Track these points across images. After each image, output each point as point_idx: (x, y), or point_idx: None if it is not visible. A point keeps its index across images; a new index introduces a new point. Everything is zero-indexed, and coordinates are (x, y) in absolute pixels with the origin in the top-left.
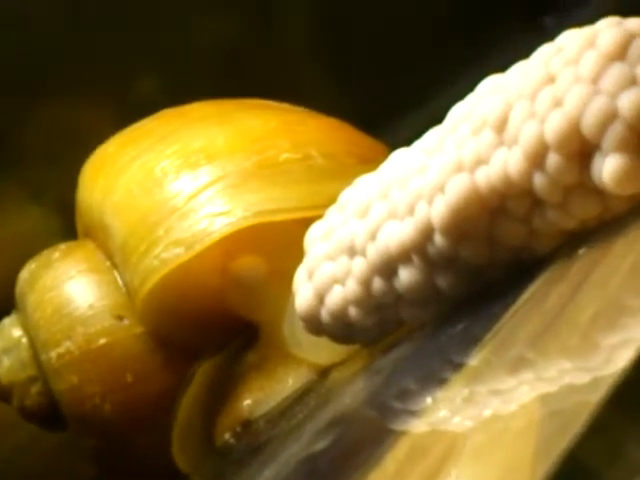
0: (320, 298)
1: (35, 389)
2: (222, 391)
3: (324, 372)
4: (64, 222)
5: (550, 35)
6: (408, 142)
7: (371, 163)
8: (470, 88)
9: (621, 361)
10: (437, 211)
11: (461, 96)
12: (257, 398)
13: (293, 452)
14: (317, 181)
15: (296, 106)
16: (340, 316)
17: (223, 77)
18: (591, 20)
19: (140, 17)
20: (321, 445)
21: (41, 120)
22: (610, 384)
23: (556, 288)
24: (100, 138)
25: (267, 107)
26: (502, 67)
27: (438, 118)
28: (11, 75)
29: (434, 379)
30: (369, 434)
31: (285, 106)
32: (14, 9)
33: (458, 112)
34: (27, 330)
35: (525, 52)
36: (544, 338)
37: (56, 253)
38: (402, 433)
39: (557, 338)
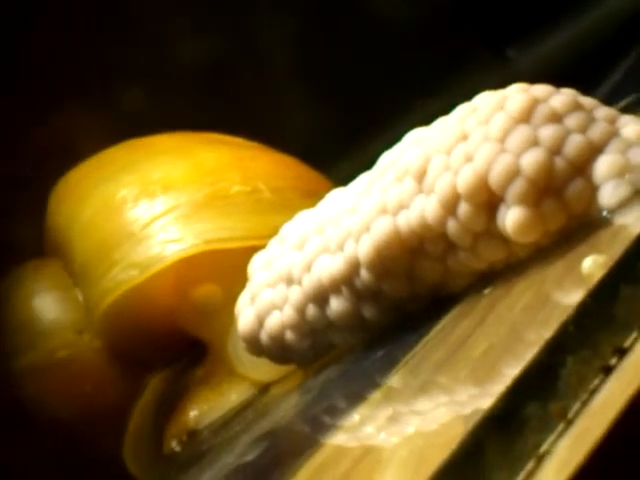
0: (260, 322)
1: (1, 396)
2: (171, 402)
3: (264, 388)
4: None
5: (512, 67)
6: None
7: (315, 197)
8: (434, 116)
9: None
10: (363, 248)
11: (426, 123)
12: (202, 410)
13: (227, 462)
14: (264, 213)
15: (250, 141)
16: (278, 338)
17: (206, 95)
18: (550, 54)
19: (126, 34)
20: (251, 456)
21: (24, 136)
22: (485, 410)
23: (462, 323)
24: (83, 152)
25: (221, 141)
26: (465, 96)
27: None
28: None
29: (360, 398)
30: (294, 447)
31: (240, 141)
32: None
33: (386, 159)
34: None
35: (488, 82)
36: (446, 367)
37: (23, 270)
38: (323, 445)
39: (454, 367)
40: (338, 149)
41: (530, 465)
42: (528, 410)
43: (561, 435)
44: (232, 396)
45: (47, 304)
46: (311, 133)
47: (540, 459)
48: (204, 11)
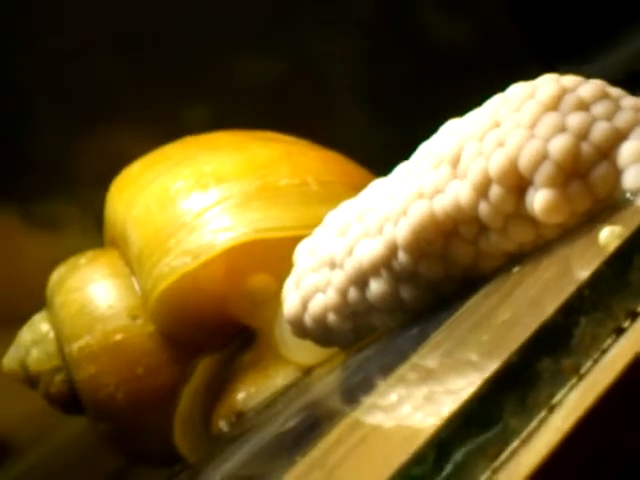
0: (304, 305)
1: (59, 378)
2: (220, 385)
3: (308, 371)
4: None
5: None
6: None
7: (360, 190)
8: None
9: None
10: (401, 231)
11: None
12: (250, 392)
13: (269, 431)
14: (311, 205)
15: (300, 139)
16: (321, 321)
17: (265, 113)
18: (600, 72)
19: (189, 54)
20: (290, 425)
21: (92, 149)
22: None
23: (490, 299)
24: None
25: (273, 139)
26: None
27: None
28: (65, 105)
29: (397, 377)
30: (330, 414)
31: (290, 138)
32: (64, 41)
33: (424, 149)
34: (54, 325)
35: None
36: (471, 335)
37: (83, 259)
38: (355, 411)
39: (478, 333)
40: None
41: (543, 414)
42: (542, 365)
43: (573, 388)
44: (278, 379)
45: (104, 291)
46: (370, 152)
47: (552, 409)
48: (268, 32)
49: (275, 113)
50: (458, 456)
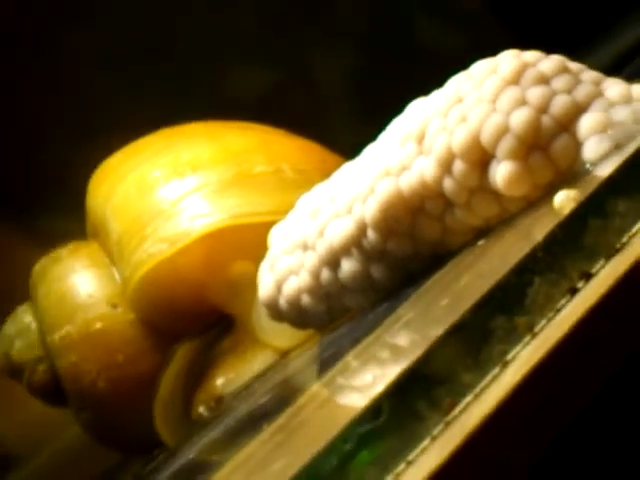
0: (279, 287)
1: (41, 367)
2: (199, 371)
3: (284, 354)
4: None
5: None
6: None
7: None
8: None
9: None
10: (369, 209)
11: None
12: (229, 377)
13: (244, 408)
14: (287, 191)
15: (277, 128)
16: (295, 303)
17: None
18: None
19: (186, 65)
20: (263, 400)
21: (91, 162)
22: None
23: (454, 270)
24: None
25: (249, 128)
26: None
27: None
28: (60, 120)
29: (371, 356)
30: (298, 389)
31: (267, 128)
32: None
33: (390, 128)
34: (36, 316)
35: None
36: (434, 302)
37: (64, 250)
38: (317, 384)
39: (438, 298)
40: None
41: (496, 370)
42: (496, 322)
43: (526, 345)
44: (256, 363)
45: (84, 281)
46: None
47: (506, 365)
48: (262, 43)
49: (270, 123)
50: (412, 410)
